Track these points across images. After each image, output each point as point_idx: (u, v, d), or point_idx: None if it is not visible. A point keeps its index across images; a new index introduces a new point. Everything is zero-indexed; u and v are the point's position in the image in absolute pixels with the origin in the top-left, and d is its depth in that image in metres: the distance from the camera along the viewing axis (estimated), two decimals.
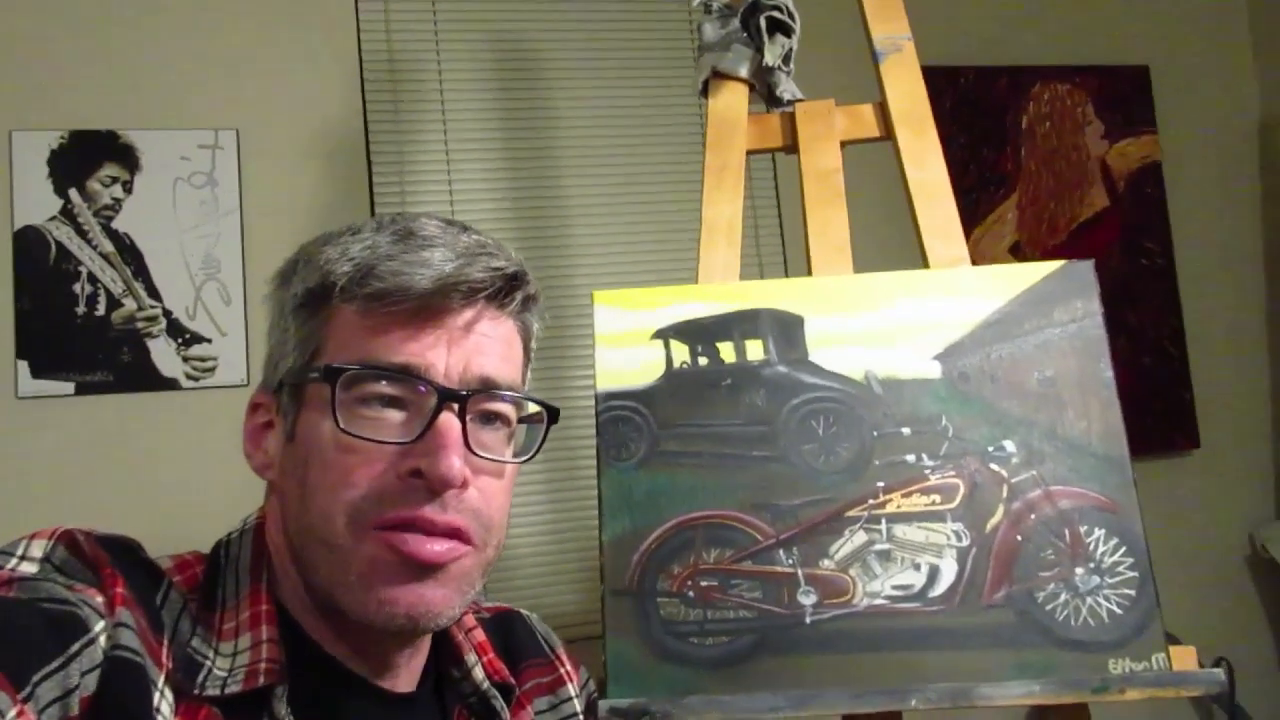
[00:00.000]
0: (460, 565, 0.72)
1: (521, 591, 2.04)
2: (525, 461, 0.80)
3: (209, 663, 0.68)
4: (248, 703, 0.67)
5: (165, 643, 0.66)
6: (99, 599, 0.63)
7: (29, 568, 0.64)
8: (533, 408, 0.80)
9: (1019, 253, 2.47)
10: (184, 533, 0.83)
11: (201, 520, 0.84)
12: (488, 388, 0.74)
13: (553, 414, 0.80)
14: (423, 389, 0.71)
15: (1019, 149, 2.52)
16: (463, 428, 0.71)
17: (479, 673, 0.84)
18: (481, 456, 0.73)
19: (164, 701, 0.63)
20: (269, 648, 0.69)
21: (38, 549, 0.65)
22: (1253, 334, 2.65)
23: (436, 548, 0.70)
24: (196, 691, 0.66)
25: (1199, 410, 2.53)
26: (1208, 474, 2.53)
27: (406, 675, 0.79)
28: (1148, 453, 2.39)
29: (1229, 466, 2.55)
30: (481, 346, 0.74)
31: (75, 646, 0.59)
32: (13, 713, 0.54)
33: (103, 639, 0.61)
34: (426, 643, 0.82)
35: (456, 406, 0.71)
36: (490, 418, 0.76)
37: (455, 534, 0.71)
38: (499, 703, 0.84)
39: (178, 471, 1.91)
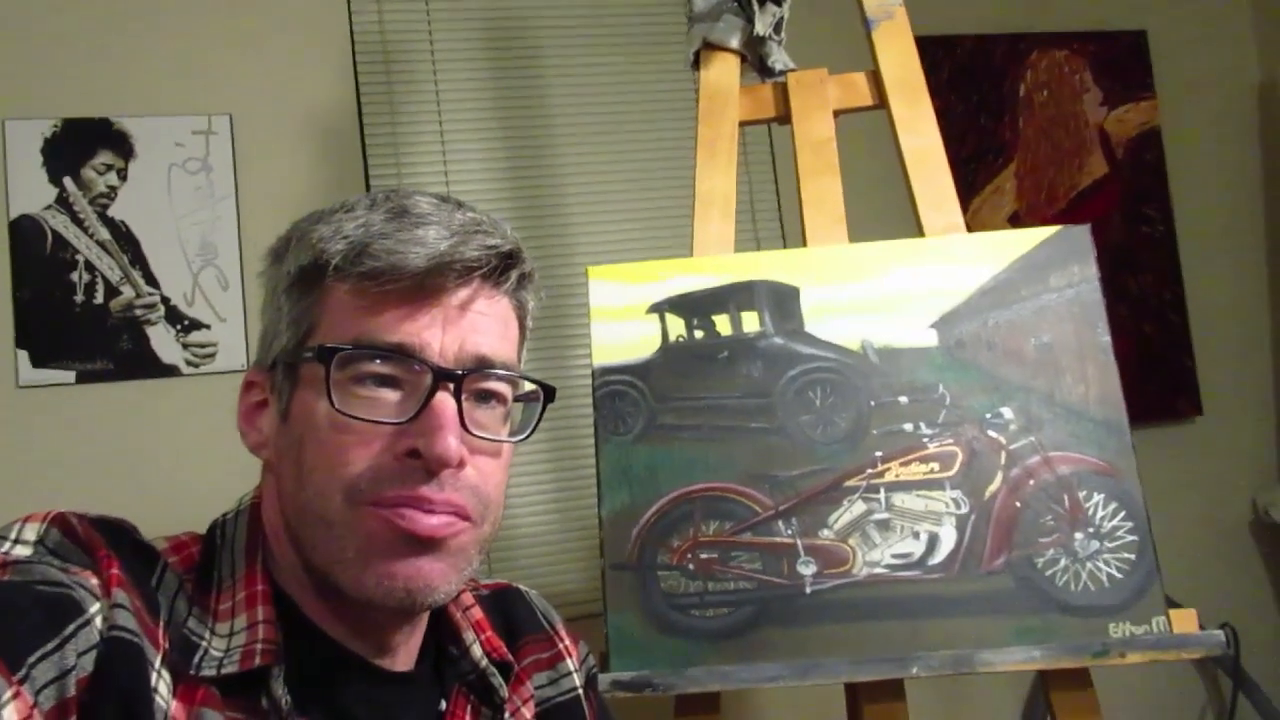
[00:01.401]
0: (458, 540, 0.72)
1: (525, 571, 2.04)
2: (522, 440, 0.80)
3: (205, 643, 0.68)
4: (245, 683, 0.67)
5: (161, 624, 0.66)
6: (94, 581, 0.63)
7: (22, 551, 0.64)
8: (529, 386, 0.79)
9: (1018, 222, 2.45)
10: (186, 519, 0.83)
11: (203, 506, 0.83)
12: (483, 366, 0.73)
13: (549, 392, 0.79)
14: (418, 368, 0.70)
15: (1017, 117, 2.51)
16: (459, 407, 0.71)
17: (477, 651, 0.84)
18: (478, 436, 0.73)
19: (161, 682, 0.63)
20: (265, 628, 0.69)
21: (31, 532, 0.65)
22: (1254, 299, 2.63)
23: (434, 521, 0.70)
24: (193, 672, 0.66)
25: (1201, 377, 2.52)
26: (1210, 440, 2.53)
27: (405, 654, 0.79)
28: (1150, 420, 2.39)
29: (1232, 432, 2.55)
30: (477, 325, 0.73)
31: (70, 628, 0.59)
32: (9, 694, 0.54)
33: (98, 620, 0.61)
34: (424, 621, 0.82)
35: (452, 386, 0.71)
36: (486, 396, 0.75)
37: (453, 512, 0.71)
38: (497, 680, 0.84)
39: (179, 458, 1.92)
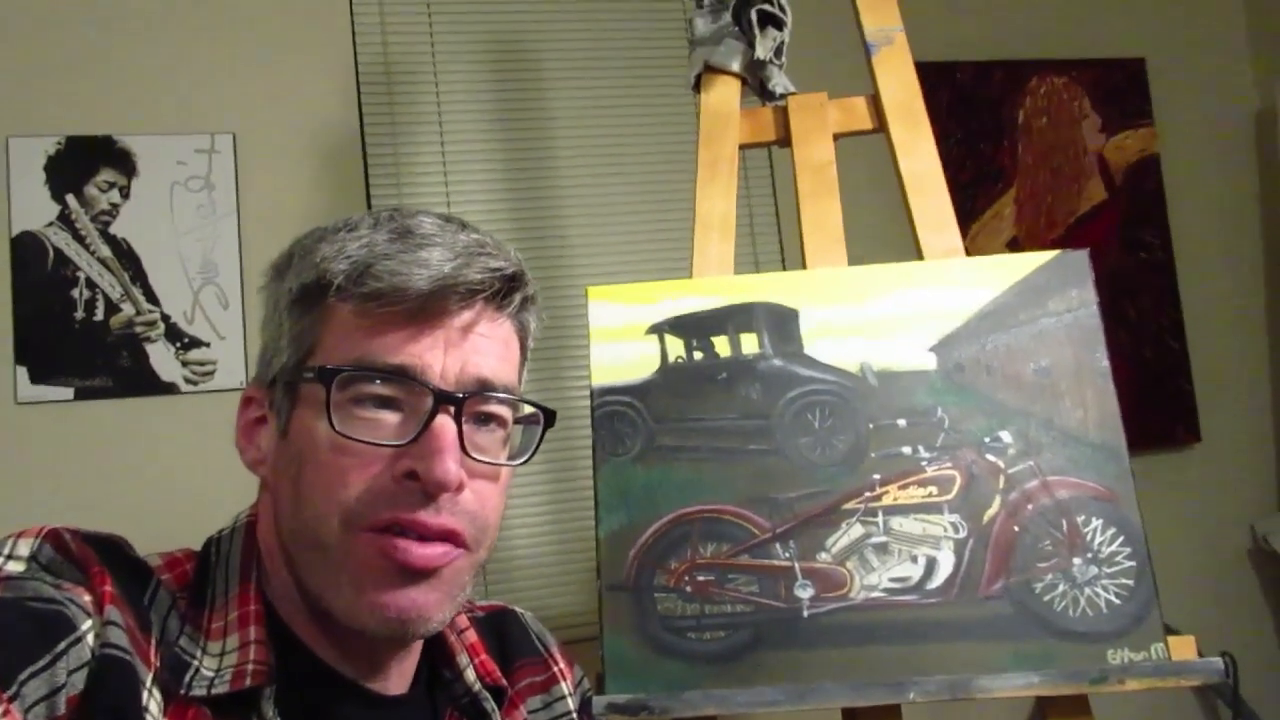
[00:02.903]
0: (453, 568, 0.72)
1: (521, 591, 2.03)
2: (521, 464, 0.79)
3: (196, 662, 0.67)
4: (236, 703, 0.67)
5: (153, 642, 0.66)
6: (86, 597, 0.62)
7: (15, 566, 0.64)
8: (529, 409, 0.79)
9: (1017, 247, 2.46)
10: (183, 538, 0.82)
11: (201, 525, 0.83)
12: (484, 389, 0.73)
13: (549, 416, 0.79)
14: (418, 390, 0.70)
15: (1016, 143, 2.52)
16: (459, 430, 0.70)
17: (471, 674, 0.84)
18: (478, 460, 0.73)
19: (152, 701, 0.63)
20: (257, 649, 0.69)
21: (24, 548, 0.65)
22: (1253, 325, 2.64)
23: (429, 552, 0.70)
24: (183, 691, 0.65)
25: (1200, 403, 2.51)
26: (1209, 467, 2.52)
27: (397, 677, 0.79)
28: (1149, 446, 2.38)
29: (1230, 459, 2.54)
30: (479, 347, 0.73)
31: (62, 645, 0.58)
32: None
33: (90, 637, 0.60)
34: (418, 645, 0.81)
35: (453, 409, 0.70)
36: (486, 419, 0.75)
37: (449, 536, 0.71)
38: (490, 704, 0.83)
39: (177, 476, 1.91)
